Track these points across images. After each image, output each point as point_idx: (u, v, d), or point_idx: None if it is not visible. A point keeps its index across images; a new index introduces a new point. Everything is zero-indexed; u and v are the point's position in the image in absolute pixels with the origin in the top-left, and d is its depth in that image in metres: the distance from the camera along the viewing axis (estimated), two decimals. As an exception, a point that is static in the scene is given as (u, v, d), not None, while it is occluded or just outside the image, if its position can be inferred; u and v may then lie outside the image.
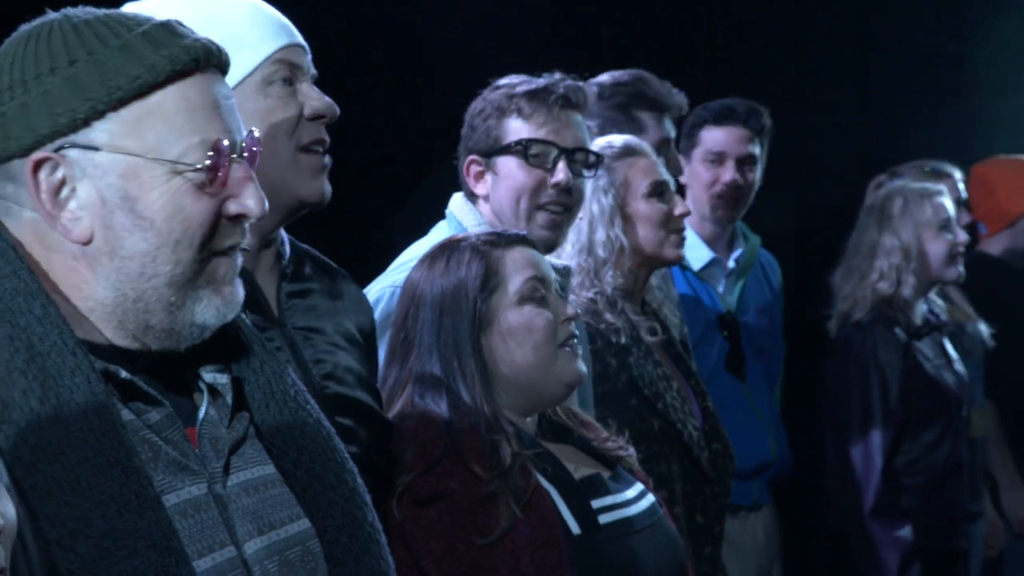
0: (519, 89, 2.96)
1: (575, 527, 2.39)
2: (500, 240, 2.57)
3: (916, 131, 5.98)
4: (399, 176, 4.59)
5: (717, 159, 4.24)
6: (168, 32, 1.62)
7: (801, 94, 5.83)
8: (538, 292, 2.52)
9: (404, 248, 3.02)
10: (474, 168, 2.99)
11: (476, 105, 3.00)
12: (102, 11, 1.65)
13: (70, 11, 1.65)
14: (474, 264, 2.51)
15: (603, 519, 2.43)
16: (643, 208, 3.30)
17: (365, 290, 2.80)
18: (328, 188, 2.18)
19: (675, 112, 3.82)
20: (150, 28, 1.62)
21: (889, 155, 5.33)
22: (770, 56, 5.81)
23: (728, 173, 4.22)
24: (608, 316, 3.22)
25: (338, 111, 2.17)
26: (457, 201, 3.05)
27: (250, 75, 2.11)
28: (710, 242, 4.27)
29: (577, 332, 2.57)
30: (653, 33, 5.37)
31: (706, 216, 4.26)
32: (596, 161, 3.02)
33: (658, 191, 3.31)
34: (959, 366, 4.44)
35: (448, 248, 2.57)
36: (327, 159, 2.18)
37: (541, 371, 2.51)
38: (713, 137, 4.25)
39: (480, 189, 2.99)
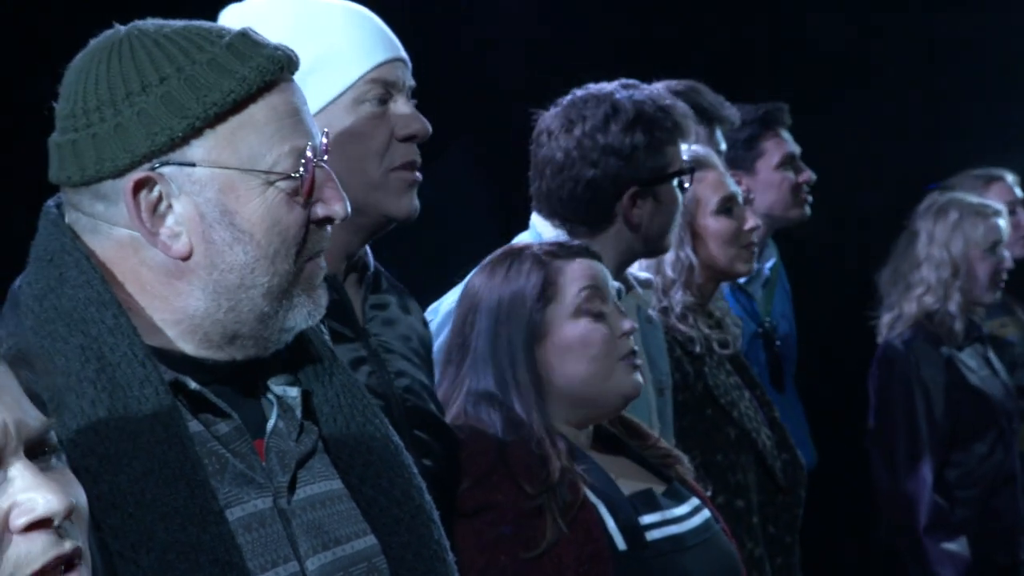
0: (680, 111, 2.95)
1: (621, 543, 2.38)
2: (562, 251, 2.55)
3: (983, 135, 5.92)
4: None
5: (791, 161, 4.26)
6: (249, 42, 1.61)
7: (866, 98, 5.78)
8: (595, 304, 2.50)
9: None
10: (628, 198, 2.91)
11: (622, 135, 2.89)
12: (175, 23, 1.64)
13: (142, 24, 1.63)
14: (533, 274, 2.49)
15: (651, 536, 2.41)
16: (712, 225, 3.28)
17: (440, 300, 2.81)
18: (416, 204, 2.15)
19: (727, 125, 3.83)
20: (232, 40, 1.60)
21: (955, 159, 5.27)
22: (835, 61, 5.77)
23: (806, 173, 4.27)
24: (681, 327, 3.20)
25: (430, 130, 2.13)
26: (538, 218, 2.99)
27: (342, 95, 2.08)
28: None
29: (636, 347, 2.55)
30: (713, 40, 5.33)
31: (762, 224, 4.22)
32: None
33: (727, 207, 3.29)
34: (1004, 376, 4.40)
35: (509, 256, 2.55)
36: (418, 175, 2.15)
37: (597, 385, 2.49)
38: (776, 144, 4.26)
39: (635, 217, 2.92)
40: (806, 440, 4.22)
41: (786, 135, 4.29)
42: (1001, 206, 4.46)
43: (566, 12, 5.06)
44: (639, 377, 2.52)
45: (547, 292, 2.48)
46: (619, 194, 2.89)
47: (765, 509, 3.21)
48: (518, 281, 2.50)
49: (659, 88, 3.63)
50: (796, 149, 4.29)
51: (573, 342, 2.47)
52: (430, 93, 2.20)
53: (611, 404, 2.53)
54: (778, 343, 4.20)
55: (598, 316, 2.50)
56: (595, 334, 2.48)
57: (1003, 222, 4.36)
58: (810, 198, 4.28)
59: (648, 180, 2.90)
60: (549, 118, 2.96)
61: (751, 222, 3.31)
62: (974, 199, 4.43)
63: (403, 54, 2.15)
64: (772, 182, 4.23)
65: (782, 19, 5.66)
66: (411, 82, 2.15)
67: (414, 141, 2.13)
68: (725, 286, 4.01)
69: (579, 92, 2.97)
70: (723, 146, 3.82)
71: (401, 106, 2.11)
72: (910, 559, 4.18)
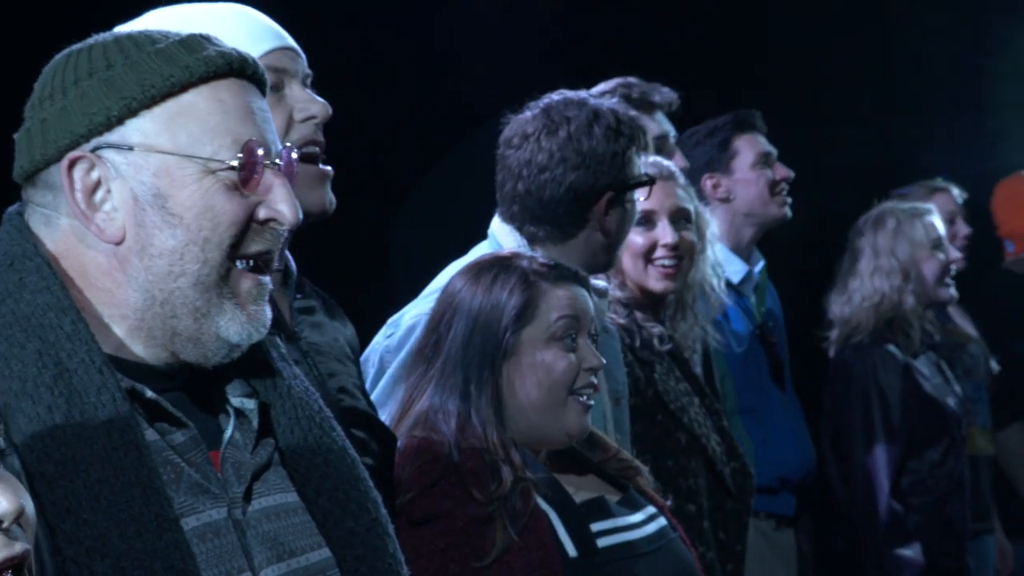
0: (643, 124, 3.01)
1: (572, 550, 2.39)
2: (550, 273, 2.54)
3: (934, 144, 5.99)
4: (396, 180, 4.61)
5: (767, 161, 4.30)
6: (205, 40, 1.65)
7: (819, 106, 5.83)
8: (569, 334, 2.50)
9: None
10: (604, 203, 2.95)
11: (605, 140, 2.91)
12: (139, 28, 1.70)
13: (114, 31, 1.68)
14: (516, 293, 2.49)
15: (602, 542, 2.42)
16: (629, 236, 3.29)
17: (401, 314, 2.82)
18: (330, 197, 2.15)
19: (664, 107, 3.88)
20: (187, 37, 1.64)
21: (907, 168, 5.33)
22: (789, 68, 5.81)
23: (783, 169, 4.31)
24: (609, 313, 3.22)
25: (331, 111, 2.14)
26: (498, 223, 3.00)
27: None
28: (744, 255, 4.31)
29: (595, 380, 2.55)
30: (673, 47, 5.37)
31: (746, 224, 4.30)
32: None
33: (647, 219, 3.31)
34: (956, 385, 4.44)
35: (499, 265, 2.55)
36: (327, 168, 2.15)
37: (548, 413, 2.49)
38: (750, 143, 4.31)
39: (607, 223, 2.95)
40: (805, 439, 4.25)
41: (761, 138, 4.33)
42: (930, 205, 4.51)
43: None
44: (587, 421, 2.53)
45: (525, 314, 2.49)
46: (597, 198, 2.91)
47: (715, 515, 3.24)
48: (500, 296, 2.49)
49: (592, 90, 3.72)
50: (772, 149, 4.33)
51: (538, 366, 2.48)
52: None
53: (555, 437, 2.53)
54: (767, 345, 4.23)
55: (569, 347, 2.51)
56: (560, 362, 2.49)
57: (937, 219, 4.41)
58: (789, 198, 4.32)
59: (622, 187, 2.93)
60: (524, 121, 2.96)
61: (667, 239, 3.32)
62: (904, 204, 4.48)
63: (291, 43, 2.15)
64: (749, 180, 4.27)
65: (743, 34, 5.71)
66: (306, 70, 2.16)
67: (315, 122, 2.13)
68: None
69: (555, 96, 2.98)
70: (668, 129, 3.87)
71: (297, 91, 2.12)
72: (867, 564, 4.20)
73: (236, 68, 1.64)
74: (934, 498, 4.25)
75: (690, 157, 4.23)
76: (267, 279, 1.66)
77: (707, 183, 4.27)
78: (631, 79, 3.86)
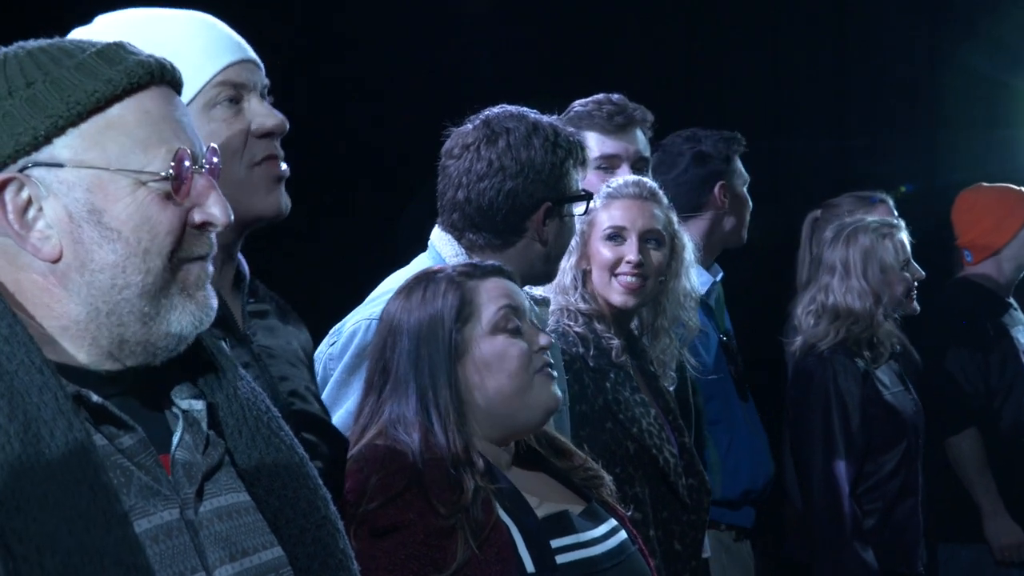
0: (584, 142, 3.07)
1: (530, 566, 2.40)
2: (476, 271, 2.59)
3: (889, 158, 6.04)
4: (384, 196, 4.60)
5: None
6: (121, 50, 1.65)
7: (778, 121, 5.88)
8: (511, 322, 2.54)
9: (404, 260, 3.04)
10: (542, 213, 2.99)
11: (543, 151, 2.97)
12: (54, 39, 1.67)
13: (23, 42, 1.66)
14: (449, 295, 2.53)
15: (562, 559, 2.43)
16: (596, 249, 3.42)
17: (343, 322, 2.85)
18: (286, 200, 2.15)
19: (644, 124, 3.90)
20: (103, 47, 1.64)
21: (863, 181, 5.36)
22: (748, 84, 5.85)
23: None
24: (573, 326, 3.30)
25: (288, 125, 2.14)
26: (437, 233, 3.05)
27: (192, 100, 2.08)
28: (704, 266, 4.32)
29: (552, 360, 2.59)
30: (632, 62, 5.40)
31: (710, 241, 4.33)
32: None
33: (618, 234, 3.40)
34: (915, 393, 4.48)
35: (425, 279, 2.59)
36: (284, 168, 2.16)
37: (516, 399, 2.52)
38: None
39: (545, 233, 2.99)
40: (765, 451, 4.27)
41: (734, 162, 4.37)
42: (899, 221, 4.55)
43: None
44: (557, 391, 2.57)
45: (464, 312, 2.52)
46: (535, 207, 2.96)
47: (671, 526, 3.28)
48: (435, 303, 2.53)
49: (575, 106, 3.72)
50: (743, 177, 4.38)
51: (491, 358, 2.51)
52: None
53: (532, 418, 2.56)
54: (730, 356, 4.27)
55: (515, 332, 2.54)
56: (512, 349, 2.52)
57: (905, 236, 4.44)
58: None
59: (560, 199, 2.97)
60: (464, 133, 3.01)
61: (632, 256, 3.38)
62: (874, 219, 4.50)
63: (251, 55, 2.16)
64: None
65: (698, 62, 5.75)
66: (264, 81, 2.16)
67: (272, 137, 2.14)
68: None
69: (495, 109, 3.03)
70: (645, 150, 3.88)
71: (255, 105, 2.13)
72: (822, 571, 4.22)
73: (157, 76, 1.65)
74: (886, 503, 4.28)
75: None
76: (208, 264, 1.68)
77: None
78: (612, 95, 3.88)
